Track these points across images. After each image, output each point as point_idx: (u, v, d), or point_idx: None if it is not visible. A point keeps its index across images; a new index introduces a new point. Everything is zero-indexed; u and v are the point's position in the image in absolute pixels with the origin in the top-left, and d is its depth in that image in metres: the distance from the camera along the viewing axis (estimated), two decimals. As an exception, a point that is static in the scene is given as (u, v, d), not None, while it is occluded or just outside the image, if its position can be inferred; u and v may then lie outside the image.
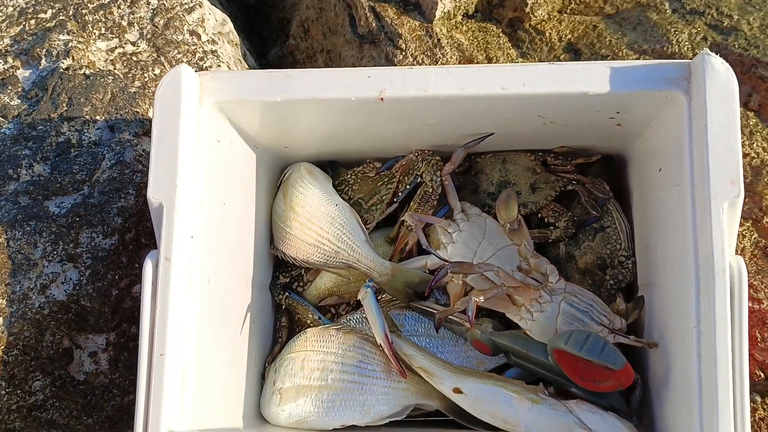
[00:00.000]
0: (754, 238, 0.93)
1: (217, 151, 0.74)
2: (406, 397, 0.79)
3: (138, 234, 0.83)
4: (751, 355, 0.80)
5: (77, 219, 0.80)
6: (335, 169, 0.91)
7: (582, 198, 0.83)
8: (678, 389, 0.67)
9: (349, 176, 0.89)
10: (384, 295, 0.87)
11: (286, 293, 0.89)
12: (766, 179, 0.97)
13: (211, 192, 0.73)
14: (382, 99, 0.69)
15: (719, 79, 0.63)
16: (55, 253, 0.79)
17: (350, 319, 0.86)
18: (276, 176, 0.91)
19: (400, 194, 0.85)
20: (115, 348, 0.82)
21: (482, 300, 0.72)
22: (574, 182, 0.84)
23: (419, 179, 0.84)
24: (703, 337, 0.62)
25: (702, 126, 0.63)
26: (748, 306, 0.63)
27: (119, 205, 0.82)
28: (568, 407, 0.72)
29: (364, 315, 0.85)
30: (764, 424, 0.91)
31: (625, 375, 0.70)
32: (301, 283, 0.90)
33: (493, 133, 0.79)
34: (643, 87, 0.66)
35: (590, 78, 0.66)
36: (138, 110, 0.88)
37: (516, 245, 0.76)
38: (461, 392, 0.74)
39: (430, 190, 0.83)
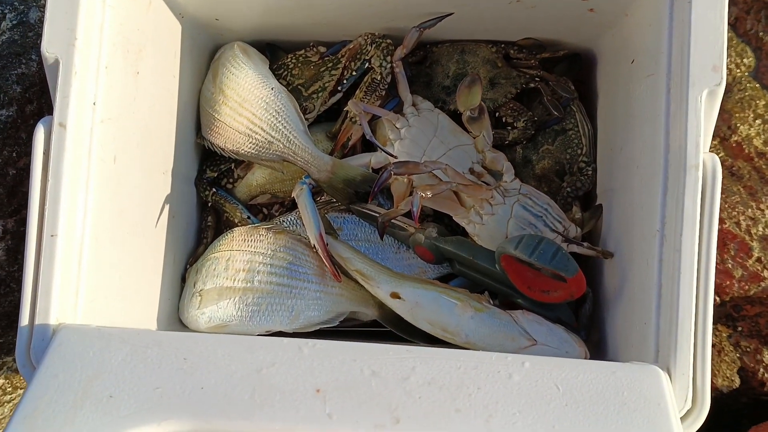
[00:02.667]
0: (721, 157, 0.88)
1: (130, 8, 0.63)
2: (340, 303, 0.72)
3: (41, 107, 0.72)
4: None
5: (-34, 84, 0.69)
6: (274, 53, 0.81)
7: (544, 97, 0.75)
8: (633, 302, 0.62)
9: (288, 60, 0.79)
10: (322, 197, 0.79)
11: (214, 189, 0.80)
12: (736, 97, 0.92)
13: (120, 56, 0.62)
14: (325, -46, 0.59)
15: (710, -50, 0.55)
16: (-62, 122, 0.68)
17: (283, 221, 0.78)
18: (206, 57, 0.80)
19: (345, 81, 0.76)
20: (13, 237, 0.73)
21: (429, 195, 0.64)
22: (537, 79, 0.76)
23: (367, 65, 0.75)
24: (667, 241, 0.56)
25: (686, 3, 0.56)
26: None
27: (19, 72, 0.71)
28: (513, 317, 0.66)
29: (298, 216, 0.76)
30: (715, 351, 0.88)
31: (577, 284, 0.64)
32: (231, 179, 0.81)
33: (452, 13, 0.70)
34: (623, -42, 0.58)
35: (565, -57, 0.58)
36: (45, -34, 0.75)
37: (473, 136, 0.68)
38: (399, 297, 0.68)
39: (379, 78, 0.74)
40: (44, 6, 0.74)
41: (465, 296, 0.67)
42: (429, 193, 0.64)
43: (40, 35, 0.71)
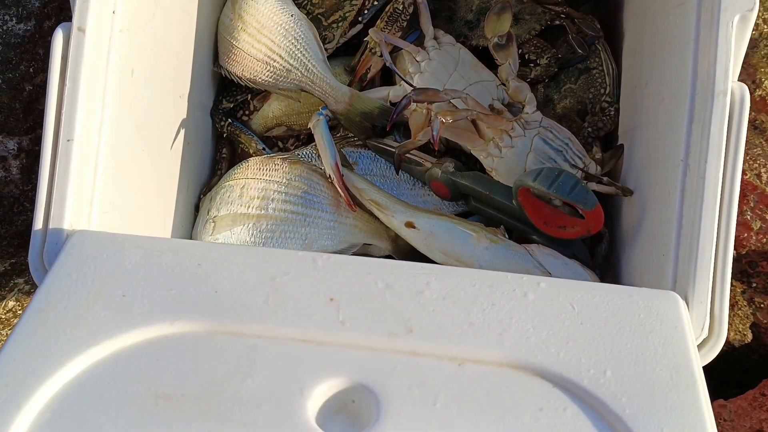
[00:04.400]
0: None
1: None
2: (354, 234, 0.72)
3: (58, 23, 0.70)
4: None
5: (-14, -4, 0.68)
6: (295, -17, 0.80)
7: (570, 35, 0.74)
8: (651, 236, 0.61)
9: (309, -11, 0.78)
10: (339, 133, 0.78)
11: (229, 120, 0.79)
12: (762, 52, 0.90)
13: (142, -33, 0.61)
14: None
15: None
16: (-43, 33, 0.67)
17: (299, 154, 0.77)
18: (226, -15, 0.79)
19: (366, 12, 0.75)
20: (28, 156, 0.72)
21: (449, 121, 0.63)
22: (562, 16, 0.74)
23: (389, -5, 0.74)
24: (690, 170, 0.55)
25: (722, -73, 0.54)
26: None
27: (37, -13, 0.70)
28: (528, 250, 0.65)
29: (314, 149, 0.76)
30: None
31: (594, 219, 0.63)
32: (247, 111, 0.80)
33: (478, -59, 0.68)
34: None
35: None
36: None
37: (499, 63, 0.67)
38: (414, 227, 0.67)
39: (401, 8, 0.73)
40: (65, -76, 0.73)
41: (480, 228, 0.67)
42: (449, 118, 0.63)
43: (60, -49, 0.71)
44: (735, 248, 0.83)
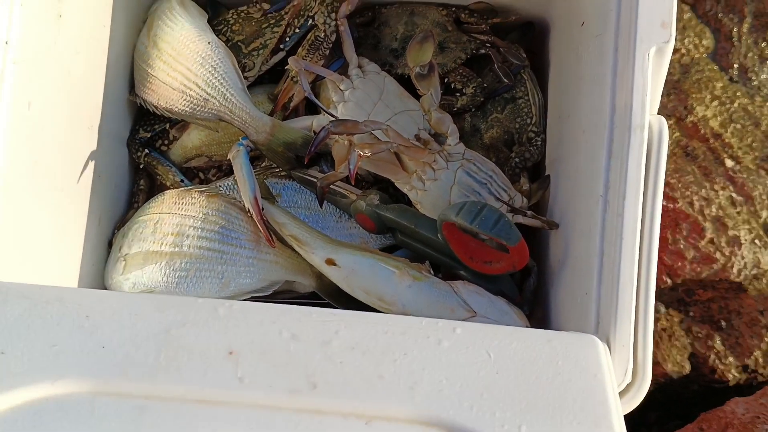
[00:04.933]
0: (676, 137, 0.86)
1: (49, -56, 0.58)
2: (274, 271, 0.69)
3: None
4: (659, 258, 0.73)
5: None
6: (216, 9, 0.76)
7: (495, 63, 0.72)
8: (576, 273, 0.59)
9: (229, 16, 0.75)
10: (263, 163, 0.75)
11: (146, 150, 0.75)
12: (694, 77, 0.90)
13: (37, -7, 0.58)
14: None
15: None
16: None
17: (219, 186, 0.73)
18: (142, 10, 0.75)
19: (287, 39, 0.72)
20: None
21: (368, 154, 0.60)
22: (488, 45, 0.73)
23: (311, 22, 0.71)
24: (610, 206, 0.54)
25: (636, -42, 0.53)
26: (662, 205, 0.54)
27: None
28: (453, 287, 0.63)
29: (236, 181, 0.72)
30: (665, 335, 0.86)
31: (519, 254, 0.61)
32: (166, 141, 0.76)
33: (399, -31, 0.66)
34: None
35: None
36: None
37: (421, 93, 0.65)
38: (335, 264, 0.64)
39: (323, 35, 0.70)
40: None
41: (404, 265, 0.64)
42: (367, 152, 0.60)
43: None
44: (670, 277, 0.82)
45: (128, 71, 0.74)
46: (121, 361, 0.45)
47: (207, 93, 0.70)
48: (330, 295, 0.69)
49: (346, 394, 0.45)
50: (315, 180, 0.71)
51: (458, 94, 0.73)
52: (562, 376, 0.47)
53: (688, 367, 0.86)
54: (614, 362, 0.51)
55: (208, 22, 0.74)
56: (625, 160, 0.52)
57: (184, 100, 0.70)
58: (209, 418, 0.43)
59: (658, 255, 0.53)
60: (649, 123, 0.53)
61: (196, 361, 0.46)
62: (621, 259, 0.51)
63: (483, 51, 0.73)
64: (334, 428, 0.44)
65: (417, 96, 0.72)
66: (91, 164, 0.68)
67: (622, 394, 0.52)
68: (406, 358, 0.47)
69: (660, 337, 0.87)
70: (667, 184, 0.77)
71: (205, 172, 0.77)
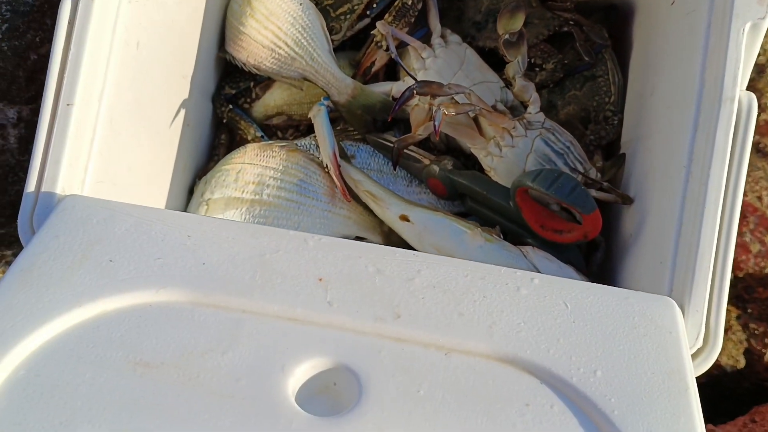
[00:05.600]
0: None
1: None
2: (346, 225, 0.71)
3: (66, -5, 0.70)
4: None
5: (-3, -38, 0.68)
6: (306, -25, 0.80)
7: (577, 41, 0.73)
8: (649, 244, 0.60)
9: (320, -20, 0.78)
10: (339, 126, 0.77)
11: (230, 107, 0.79)
12: (768, 77, 0.90)
13: (154, -59, 0.61)
14: None
15: None
16: (-35, -3, 0.67)
17: (297, 143, 0.76)
18: (238, -28, 0.79)
19: (374, 6, 0.75)
20: (27, 125, 0.72)
21: (451, 113, 0.62)
22: (571, 22, 0.74)
23: (398, -10, 0.74)
24: (693, 176, 0.54)
25: (736, -65, 0.54)
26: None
27: (48, -44, 0.70)
28: (523, 251, 0.64)
29: (313, 141, 0.75)
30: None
31: (592, 223, 0.63)
32: (249, 99, 0.80)
33: (492, -58, 0.68)
34: None
35: None
36: None
37: (507, 60, 0.66)
38: (408, 220, 0.66)
39: (410, 3, 0.73)
40: None
41: (475, 226, 0.66)
42: (451, 111, 0.62)
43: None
44: (732, 271, 0.82)
45: (220, 29, 0.78)
46: (221, 277, 0.48)
47: (295, 52, 0.73)
48: (398, 254, 0.71)
49: (427, 326, 0.47)
50: (390, 144, 0.73)
51: (538, 69, 0.74)
52: (637, 331, 0.48)
53: (742, 362, 0.86)
54: (687, 326, 0.52)
55: (299, -15, 0.77)
56: (713, 131, 0.53)
57: (273, 57, 0.73)
58: (300, 334, 0.45)
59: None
60: (739, 97, 0.54)
61: (288, 283, 0.48)
62: (702, 226, 0.52)
63: (566, 29, 0.74)
64: (415, 356, 0.46)
65: (496, 69, 0.74)
66: (182, 113, 0.72)
67: (693, 357, 0.53)
68: (485, 300, 0.49)
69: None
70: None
71: (283, 131, 0.80)
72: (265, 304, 0.47)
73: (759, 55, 0.92)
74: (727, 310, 0.86)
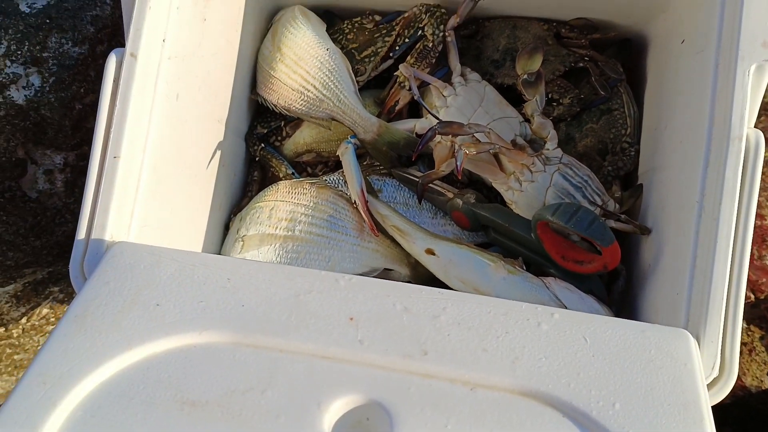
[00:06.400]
0: (765, 157, 0.88)
1: (202, -43, 0.66)
2: (375, 258, 0.74)
3: (110, 48, 0.75)
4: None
5: (47, 21, 0.73)
6: (331, 19, 0.84)
7: (593, 76, 0.76)
8: (666, 274, 0.63)
9: (345, 26, 0.82)
10: (365, 161, 0.81)
11: (262, 145, 0.83)
12: (786, 100, 0.92)
13: (191, 0, 0.66)
14: None
15: (769, -72, 0.56)
16: (19, 53, 0.72)
17: (326, 179, 0.80)
18: (267, 18, 0.84)
19: (397, 48, 0.79)
20: (73, 170, 0.76)
21: (473, 152, 0.66)
22: (586, 58, 0.77)
23: (420, 33, 0.77)
24: (705, 211, 0.57)
25: (741, -21, 0.57)
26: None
27: (94, 14, 0.75)
28: (545, 282, 0.67)
29: (341, 177, 0.79)
30: (746, 350, 0.87)
31: (611, 255, 0.65)
32: (280, 137, 0.84)
33: (507, -14, 0.72)
34: (683, -67, 0.59)
35: None
36: None
37: (526, 99, 0.69)
38: (434, 254, 0.69)
39: (431, 45, 0.76)
40: (120, -43, 0.78)
41: (498, 258, 0.69)
42: (472, 150, 0.65)
43: (115, -18, 0.76)
44: (753, 293, 0.84)
45: (251, 72, 0.82)
46: (259, 318, 0.51)
47: (323, 94, 0.77)
48: (423, 285, 0.74)
49: (453, 362, 0.50)
50: (414, 178, 0.76)
51: (555, 104, 0.77)
52: (654, 363, 0.51)
53: (767, 382, 0.87)
54: (703, 356, 0.54)
55: (326, 31, 0.81)
56: (723, 168, 0.55)
57: (302, 99, 0.77)
58: (334, 372, 0.49)
59: (743, 269, 0.56)
60: (747, 135, 0.56)
61: (321, 323, 0.51)
62: (715, 260, 0.55)
63: (581, 64, 0.77)
64: (443, 391, 0.49)
65: (514, 105, 0.77)
66: (218, 154, 0.76)
67: (708, 387, 0.55)
68: (507, 336, 0.52)
69: (740, 351, 0.88)
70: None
71: (312, 167, 0.84)
72: (301, 344, 0.50)
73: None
74: (750, 330, 0.88)
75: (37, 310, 0.82)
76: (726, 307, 0.55)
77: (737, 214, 0.55)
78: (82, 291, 0.53)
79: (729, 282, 0.55)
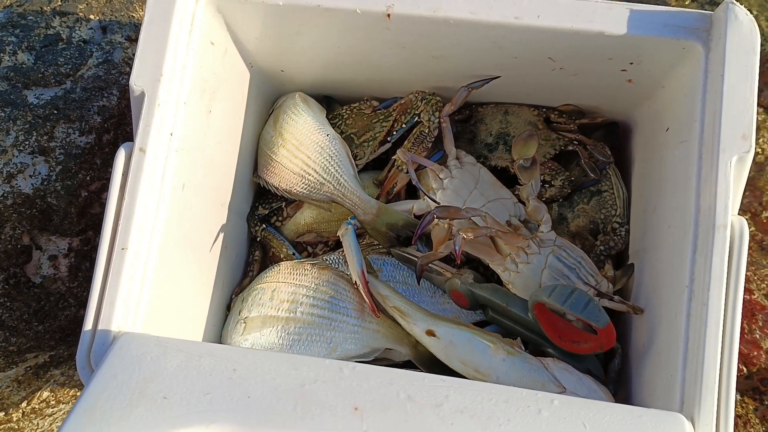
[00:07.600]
0: (752, 231, 0.91)
1: (209, 54, 0.70)
2: (376, 339, 0.76)
3: (116, 137, 0.79)
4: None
5: (55, 112, 0.76)
6: (331, 104, 0.88)
7: (582, 159, 0.80)
8: (660, 355, 0.64)
9: (344, 111, 0.86)
10: (364, 240, 0.83)
11: (264, 225, 0.85)
12: (768, 175, 0.95)
13: (197, 94, 0.69)
14: (388, 15, 0.66)
15: (741, 30, 0.60)
16: (27, 143, 0.75)
17: (326, 259, 0.82)
18: (268, 104, 0.87)
19: (395, 133, 0.82)
20: (77, 255, 0.78)
21: (470, 237, 0.68)
22: (575, 142, 0.81)
23: (416, 119, 0.81)
24: (695, 296, 0.59)
25: (718, 76, 0.60)
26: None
27: (100, 104, 0.78)
28: (543, 363, 0.68)
29: (341, 256, 0.81)
30: (741, 422, 0.88)
31: (607, 336, 0.67)
32: (281, 218, 0.86)
33: (498, 77, 0.75)
34: (662, 33, 0.63)
35: (608, 17, 0.63)
36: (134, 15, 0.84)
37: (521, 183, 0.72)
38: (434, 335, 0.71)
39: (427, 131, 0.80)
40: (128, 48, 0.82)
41: (498, 340, 0.70)
42: (470, 235, 0.68)
43: (122, 73, 0.80)
44: (746, 366, 0.85)
45: (253, 155, 0.85)
46: (265, 410, 0.52)
47: (323, 178, 0.79)
48: (424, 364, 0.76)
49: (457, 453, 0.51)
50: (413, 258, 0.78)
51: (547, 186, 0.80)
52: (652, 450, 0.52)
53: (764, 455, 0.87)
54: (699, 440, 0.55)
55: (325, 116, 0.85)
56: (710, 255, 0.58)
57: (303, 183, 0.80)
58: (340, 465, 0.50)
59: (735, 344, 0.58)
60: (731, 223, 0.59)
61: (326, 414, 0.52)
62: (705, 346, 0.56)
63: (571, 147, 0.81)
64: (447, 483, 0.49)
65: (509, 186, 0.80)
66: (221, 237, 0.78)
67: (706, 470, 0.56)
68: (509, 424, 0.53)
69: (735, 424, 0.88)
70: (743, 275, 0.82)
71: (313, 247, 0.86)
72: (307, 436, 0.51)
73: (758, 153, 0.98)
74: (744, 402, 0.89)
75: (38, 394, 0.82)
76: (719, 389, 0.56)
77: (725, 297, 0.57)
78: (91, 384, 0.54)
79: (720, 365, 0.56)
